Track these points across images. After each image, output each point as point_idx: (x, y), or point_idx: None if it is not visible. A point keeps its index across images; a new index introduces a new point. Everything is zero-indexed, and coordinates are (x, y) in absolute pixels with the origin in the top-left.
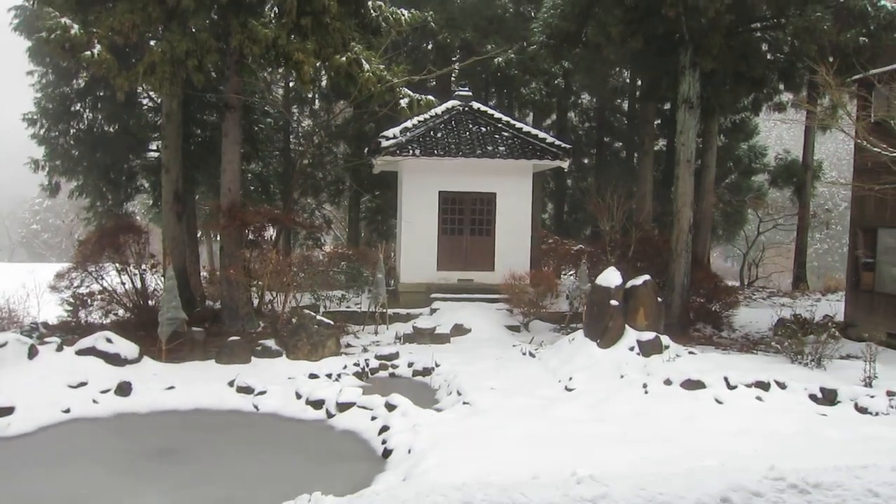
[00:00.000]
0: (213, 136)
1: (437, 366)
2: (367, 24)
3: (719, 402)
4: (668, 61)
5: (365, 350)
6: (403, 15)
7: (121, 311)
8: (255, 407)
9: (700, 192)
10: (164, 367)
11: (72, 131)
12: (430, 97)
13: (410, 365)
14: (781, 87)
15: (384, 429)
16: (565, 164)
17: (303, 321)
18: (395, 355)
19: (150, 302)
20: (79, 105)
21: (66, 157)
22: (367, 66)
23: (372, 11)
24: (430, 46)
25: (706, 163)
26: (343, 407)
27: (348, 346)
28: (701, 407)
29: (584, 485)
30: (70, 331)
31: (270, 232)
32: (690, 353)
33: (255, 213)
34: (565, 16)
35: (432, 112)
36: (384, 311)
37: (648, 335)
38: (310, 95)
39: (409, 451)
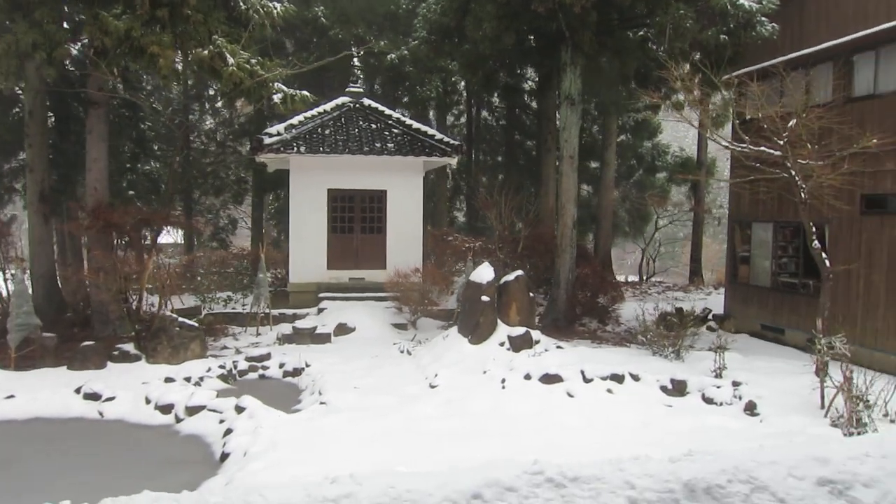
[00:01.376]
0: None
1: (307, 366)
2: (236, 17)
3: (571, 396)
4: (554, 58)
5: (238, 352)
6: (276, 8)
7: None
8: (101, 414)
9: (601, 189)
10: (9, 376)
11: None
12: (305, 93)
13: (282, 366)
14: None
15: (228, 432)
16: (453, 161)
17: (163, 324)
18: (267, 356)
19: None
20: None
21: None
22: (231, 60)
23: (241, 4)
24: (319, 43)
25: (606, 160)
26: (192, 411)
27: (224, 348)
28: (553, 401)
29: (335, 484)
30: None
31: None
32: (558, 347)
33: (123, 213)
34: (444, 11)
35: (321, 108)
36: (267, 311)
37: (519, 330)
38: (211, 93)
39: (245, 454)
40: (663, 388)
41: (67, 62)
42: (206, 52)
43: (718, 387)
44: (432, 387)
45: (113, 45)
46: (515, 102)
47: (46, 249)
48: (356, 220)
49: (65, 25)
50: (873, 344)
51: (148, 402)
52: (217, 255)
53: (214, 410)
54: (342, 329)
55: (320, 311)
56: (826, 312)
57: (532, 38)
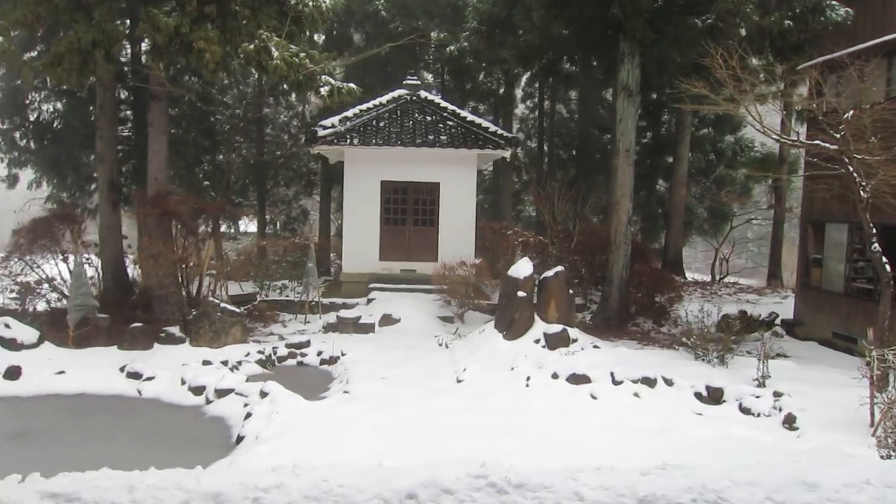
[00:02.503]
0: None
1: (342, 355)
2: (286, 13)
3: (595, 398)
4: (613, 48)
5: (282, 338)
6: (324, 2)
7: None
8: (139, 392)
9: (672, 185)
10: (62, 353)
11: (26, 124)
12: (352, 85)
13: (319, 354)
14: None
15: (248, 416)
16: (507, 154)
17: (206, 309)
18: (306, 344)
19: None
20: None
21: (19, 148)
22: (276, 54)
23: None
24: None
25: (679, 155)
26: (221, 393)
27: (271, 334)
28: (576, 402)
29: (273, 474)
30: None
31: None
32: (595, 347)
33: (179, 202)
34: (495, 1)
35: (377, 101)
36: (316, 300)
37: (556, 328)
38: (285, 87)
39: (256, 438)
40: (697, 395)
41: (132, 58)
42: (251, 46)
43: (758, 396)
44: (459, 381)
45: (164, 41)
46: (588, 94)
47: (115, 235)
48: (409, 212)
49: (127, 23)
50: None
51: (183, 383)
52: (279, 243)
53: (241, 394)
54: (387, 320)
55: (369, 301)
56: (886, 322)
57: (586, 27)
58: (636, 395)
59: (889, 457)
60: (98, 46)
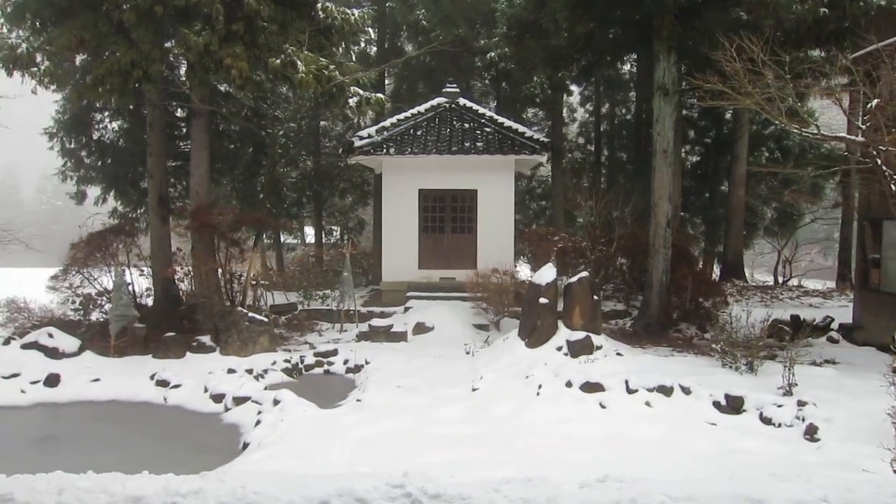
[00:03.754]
0: (219, 144)
1: (367, 363)
2: (317, 26)
3: (603, 407)
4: (649, 47)
5: (312, 347)
6: (353, 14)
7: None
8: (165, 399)
9: (731, 185)
10: (101, 361)
11: (89, 143)
12: (380, 95)
13: (346, 362)
14: None
15: (258, 423)
16: (543, 159)
17: (235, 318)
18: (334, 352)
19: (139, 300)
20: (90, 119)
21: (84, 167)
22: (301, 67)
23: (320, 13)
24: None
25: (736, 154)
26: (239, 401)
27: (305, 343)
28: (582, 411)
29: (193, 480)
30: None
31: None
32: (618, 354)
33: (218, 214)
34: (524, 5)
35: (416, 110)
36: (352, 309)
37: (579, 335)
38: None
39: (259, 445)
40: (716, 404)
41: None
42: (278, 61)
43: (780, 406)
44: (474, 390)
45: (195, 59)
46: (645, 95)
47: (164, 248)
48: (447, 219)
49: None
50: None
51: (206, 391)
52: (318, 254)
53: (257, 402)
54: (420, 328)
55: (406, 309)
56: None
57: (616, 27)
58: (647, 404)
59: None
60: (136, 67)
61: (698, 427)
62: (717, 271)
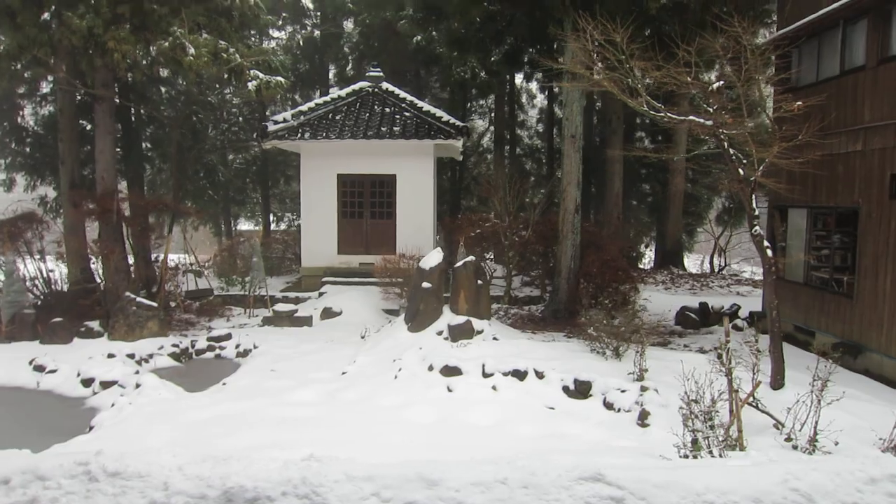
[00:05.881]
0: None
1: (255, 347)
2: (215, 9)
3: (450, 391)
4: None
5: (209, 331)
6: None
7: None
8: (38, 384)
9: (668, 173)
10: None
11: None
12: (280, 79)
13: (237, 347)
14: None
15: (112, 406)
16: (459, 143)
17: (122, 304)
18: (227, 337)
19: (54, 287)
20: (15, 105)
21: (11, 153)
22: (191, 50)
23: None
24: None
25: (674, 140)
26: (106, 385)
27: (210, 327)
28: (430, 395)
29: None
30: None
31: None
32: (495, 339)
33: (121, 201)
34: None
35: (337, 94)
36: (264, 294)
37: (460, 319)
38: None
39: (99, 427)
40: (565, 389)
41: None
42: (166, 44)
43: (624, 391)
44: (343, 374)
45: (79, 42)
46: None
47: (78, 233)
48: (366, 205)
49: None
50: None
51: (78, 375)
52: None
53: (122, 386)
54: (328, 313)
55: (321, 294)
56: (774, 312)
57: (515, 8)
58: (494, 388)
59: (685, 457)
60: (24, 51)
61: (534, 412)
62: (651, 258)
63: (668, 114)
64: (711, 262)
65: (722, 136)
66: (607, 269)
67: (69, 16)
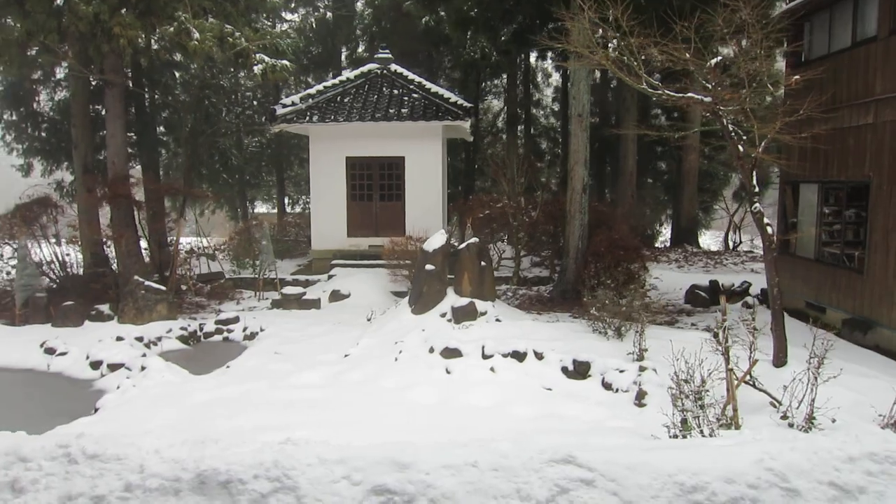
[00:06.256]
0: (153, 113)
1: (262, 330)
2: None
3: (449, 373)
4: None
5: (219, 314)
6: None
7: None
8: (48, 366)
9: (683, 150)
10: (4, 330)
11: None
12: (285, 62)
13: (245, 329)
14: None
15: (117, 388)
16: (467, 124)
17: (131, 287)
18: (235, 319)
19: (69, 271)
20: (32, 90)
21: (28, 138)
22: (196, 35)
23: None
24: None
25: (689, 117)
26: (113, 367)
27: (220, 310)
28: (430, 377)
29: None
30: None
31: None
32: (497, 320)
33: (133, 185)
34: None
35: (346, 76)
36: (274, 277)
37: (464, 301)
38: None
39: (103, 409)
40: (564, 370)
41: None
42: (171, 28)
43: (622, 371)
44: (346, 356)
45: (86, 28)
46: None
47: (92, 217)
48: (375, 187)
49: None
50: None
51: (87, 358)
52: (271, 222)
53: (129, 368)
54: (336, 296)
55: (330, 277)
56: (776, 290)
57: None
58: (492, 369)
59: (675, 437)
60: (32, 37)
61: (533, 393)
62: (668, 237)
63: (666, 91)
64: (726, 240)
65: (721, 113)
66: (616, 248)
67: (76, 2)
